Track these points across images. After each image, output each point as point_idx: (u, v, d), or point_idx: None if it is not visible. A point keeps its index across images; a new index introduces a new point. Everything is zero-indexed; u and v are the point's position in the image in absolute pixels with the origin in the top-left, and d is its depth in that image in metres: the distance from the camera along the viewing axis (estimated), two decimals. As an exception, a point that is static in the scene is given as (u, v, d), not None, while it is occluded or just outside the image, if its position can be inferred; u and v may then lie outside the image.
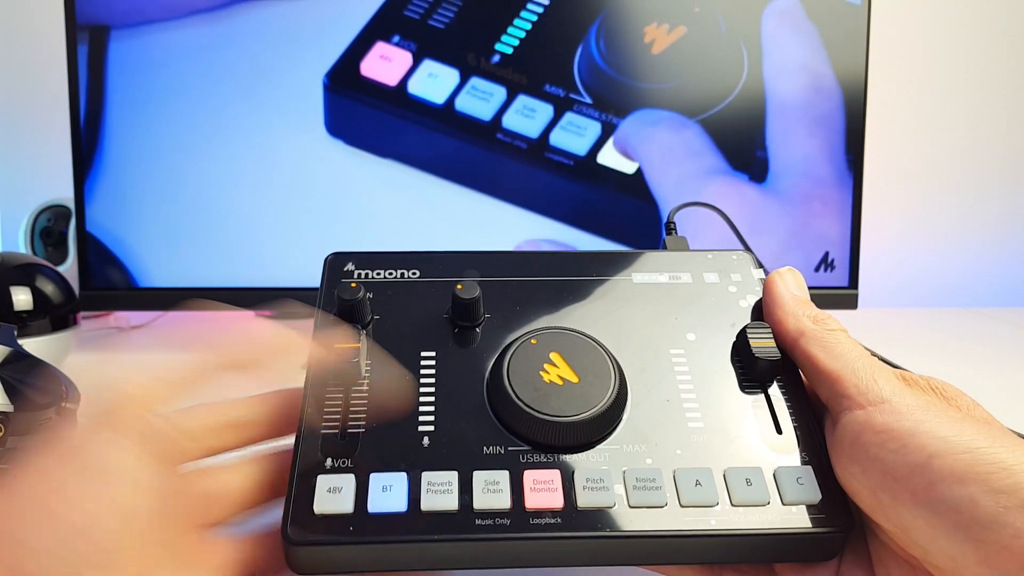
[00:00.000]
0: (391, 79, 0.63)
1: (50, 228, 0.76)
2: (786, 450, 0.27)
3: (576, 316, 0.31)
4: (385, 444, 0.26)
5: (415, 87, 0.64)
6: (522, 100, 0.64)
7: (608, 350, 0.28)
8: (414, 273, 0.32)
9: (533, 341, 0.28)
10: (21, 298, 0.55)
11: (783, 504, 0.25)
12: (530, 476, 0.25)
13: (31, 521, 0.21)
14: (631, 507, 0.25)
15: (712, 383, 0.29)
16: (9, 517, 0.22)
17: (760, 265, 0.34)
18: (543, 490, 0.25)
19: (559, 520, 0.24)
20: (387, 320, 0.30)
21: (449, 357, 0.29)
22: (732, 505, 0.25)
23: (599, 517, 0.24)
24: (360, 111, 0.64)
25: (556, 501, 0.25)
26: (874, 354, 0.46)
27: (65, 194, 0.71)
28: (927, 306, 0.93)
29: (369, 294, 0.31)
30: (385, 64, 0.64)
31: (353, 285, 0.29)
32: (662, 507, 0.25)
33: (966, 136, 0.94)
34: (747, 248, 0.47)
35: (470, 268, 0.32)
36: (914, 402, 0.24)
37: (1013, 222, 0.96)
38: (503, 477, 0.25)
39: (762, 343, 0.28)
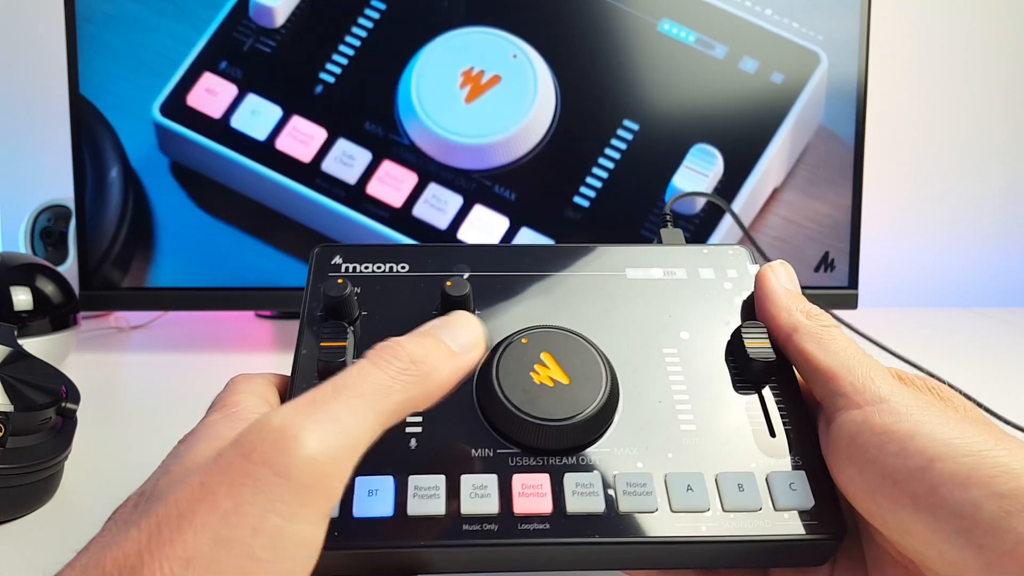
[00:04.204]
0: (215, 111, 0.63)
1: (50, 228, 0.77)
2: (779, 454, 0.26)
3: (568, 313, 0.30)
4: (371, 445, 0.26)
5: (238, 122, 0.63)
6: (341, 146, 0.63)
7: (600, 350, 0.28)
8: (403, 267, 0.31)
9: (524, 341, 0.28)
10: (21, 298, 0.55)
11: (775, 510, 0.25)
12: (519, 480, 0.25)
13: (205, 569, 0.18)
14: (621, 512, 0.24)
15: (705, 384, 0.28)
16: (175, 548, 0.17)
17: (758, 259, 0.34)
18: (532, 495, 0.24)
19: (548, 525, 0.24)
20: (375, 316, 0.30)
21: None
22: (724, 511, 0.25)
23: (588, 522, 0.24)
24: (187, 142, 0.64)
25: (545, 506, 0.24)
26: (880, 346, 0.46)
27: (65, 194, 0.71)
28: (927, 306, 0.93)
29: (356, 289, 0.30)
30: (210, 97, 0.63)
31: (340, 281, 0.29)
32: (652, 512, 0.24)
33: (966, 136, 0.93)
34: (751, 240, 0.46)
35: (460, 262, 0.32)
36: (913, 402, 0.23)
37: (1013, 222, 0.95)
38: (491, 481, 0.25)
39: (757, 344, 0.28)
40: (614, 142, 0.65)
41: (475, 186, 0.64)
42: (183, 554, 0.17)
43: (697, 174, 0.65)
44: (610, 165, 0.65)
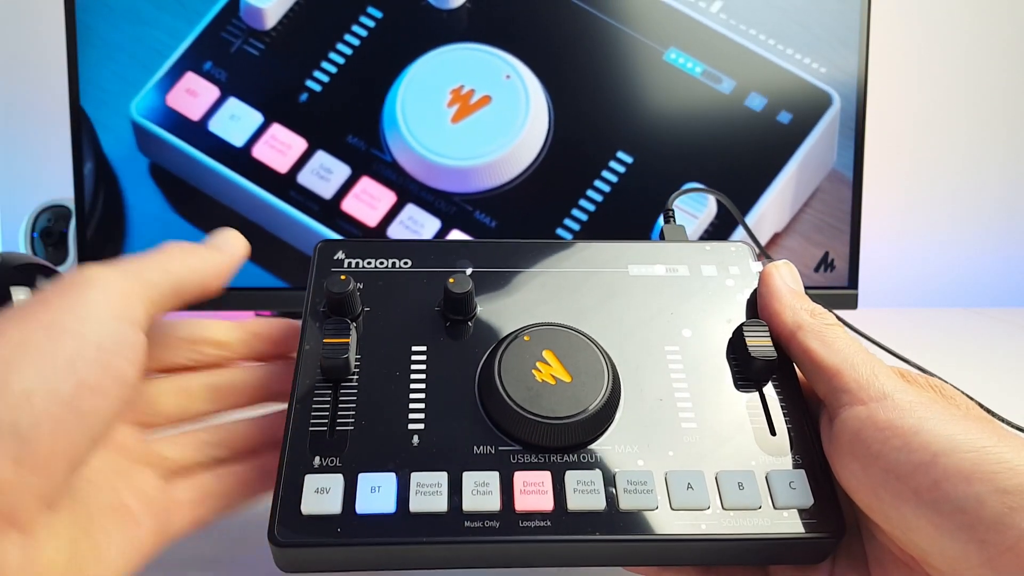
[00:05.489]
0: (195, 113, 0.62)
1: (50, 228, 0.77)
2: (779, 452, 0.26)
3: (571, 309, 0.30)
4: (374, 442, 0.26)
5: (216, 126, 0.62)
6: (320, 158, 0.62)
7: (602, 348, 0.28)
8: (406, 262, 0.31)
9: (526, 338, 0.28)
10: (21, 298, 0.55)
11: (775, 508, 0.25)
12: (520, 478, 0.25)
13: (20, 346, 0.21)
14: (621, 510, 0.24)
15: (707, 382, 0.28)
16: None
17: (760, 256, 0.33)
18: (533, 492, 0.24)
19: (549, 523, 0.24)
20: (377, 312, 0.30)
21: (440, 352, 0.29)
22: (723, 509, 0.25)
23: (589, 520, 0.24)
24: (162, 143, 0.62)
25: (546, 503, 0.24)
26: (882, 347, 0.46)
27: (65, 194, 0.71)
28: (927, 306, 0.93)
29: (359, 285, 0.30)
30: (191, 98, 0.62)
31: (343, 277, 0.29)
32: (653, 510, 0.25)
33: (966, 137, 0.93)
34: (755, 241, 0.46)
35: (463, 258, 0.32)
36: (916, 399, 0.23)
37: (1013, 222, 0.95)
38: (493, 479, 0.25)
39: (758, 342, 0.28)
40: (605, 174, 0.63)
41: (455, 210, 0.62)
42: None
43: (686, 215, 0.63)
44: (598, 198, 0.63)
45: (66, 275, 0.24)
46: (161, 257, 0.27)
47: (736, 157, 0.63)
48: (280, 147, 0.62)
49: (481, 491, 0.24)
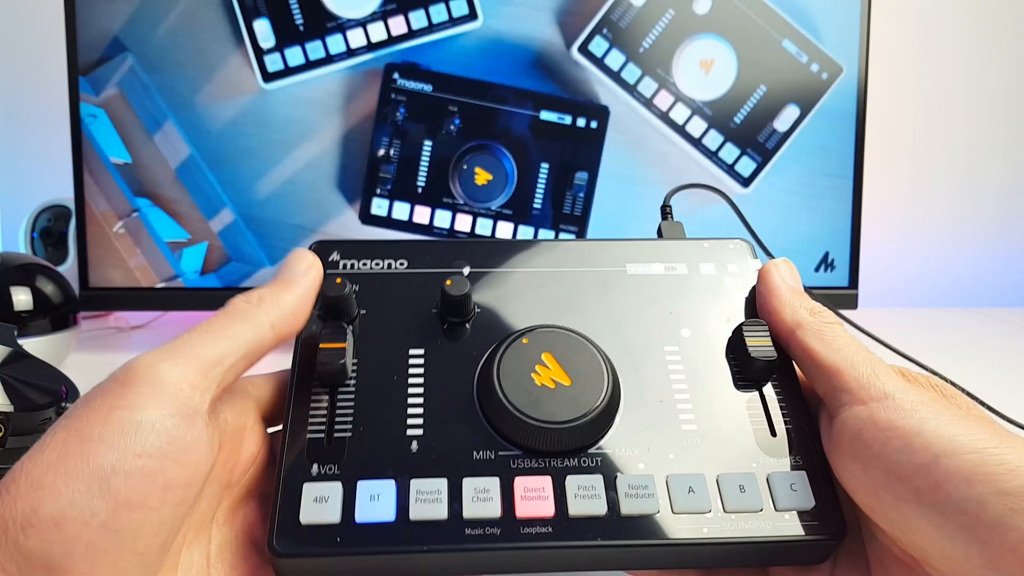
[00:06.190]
0: None
1: (50, 228, 0.76)
2: (780, 454, 0.26)
3: (569, 310, 0.30)
4: (372, 449, 0.26)
5: None
6: None
7: (601, 349, 0.28)
8: (402, 263, 0.31)
9: (524, 340, 0.27)
10: (21, 298, 0.55)
11: (776, 510, 0.25)
12: (521, 483, 0.25)
13: (54, 464, 0.20)
14: (623, 515, 0.24)
15: (706, 382, 0.28)
16: (34, 460, 0.20)
17: (762, 250, 0.33)
18: (534, 498, 0.24)
19: (550, 529, 0.24)
20: (374, 315, 0.29)
21: (438, 355, 0.28)
22: (725, 512, 0.25)
23: (590, 525, 0.24)
24: None
25: (547, 509, 0.24)
26: (887, 346, 0.46)
27: (65, 194, 0.71)
28: (927, 306, 0.93)
29: (355, 287, 0.30)
30: None
31: (338, 281, 0.28)
32: (654, 514, 0.24)
33: (966, 137, 0.93)
34: (752, 233, 0.45)
35: (460, 258, 0.31)
36: (917, 398, 0.23)
37: (1013, 222, 0.95)
38: (493, 485, 0.25)
39: (758, 342, 0.28)
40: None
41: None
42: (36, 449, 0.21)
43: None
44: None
45: (117, 371, 0.22)
46: (221, 321, 0.25)
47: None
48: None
49: (481, 497, 0.24)
